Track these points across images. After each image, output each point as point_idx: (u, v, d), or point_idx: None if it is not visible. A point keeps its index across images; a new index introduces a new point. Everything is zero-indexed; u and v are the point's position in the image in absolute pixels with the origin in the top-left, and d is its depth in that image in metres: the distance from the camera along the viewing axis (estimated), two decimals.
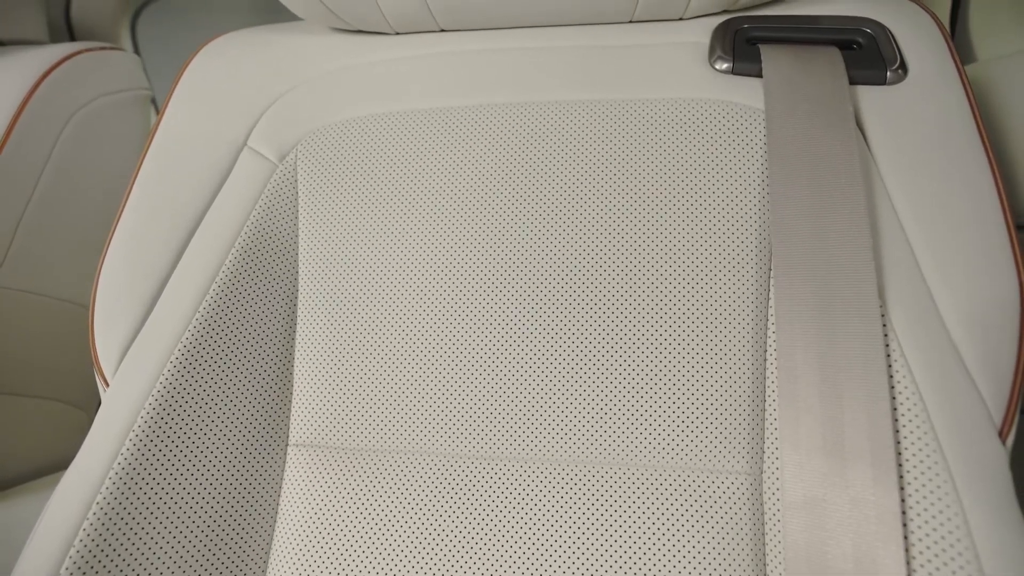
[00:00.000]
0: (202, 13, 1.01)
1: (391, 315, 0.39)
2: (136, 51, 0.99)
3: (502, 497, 0.36)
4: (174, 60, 1.02)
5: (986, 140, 0.36)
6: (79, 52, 0.61)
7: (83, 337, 0.68)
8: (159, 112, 0.74)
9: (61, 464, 0.67)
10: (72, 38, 0.93)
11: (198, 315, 0.38)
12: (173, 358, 0.37)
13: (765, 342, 0.36)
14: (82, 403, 0.69)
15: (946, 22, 0.59)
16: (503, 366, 0.37)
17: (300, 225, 0.41)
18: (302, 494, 0.38)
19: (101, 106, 0.65)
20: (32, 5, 0.66)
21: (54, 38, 0.90)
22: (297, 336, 0.40)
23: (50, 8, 0.90)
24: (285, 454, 0.39)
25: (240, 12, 1.01)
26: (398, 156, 0.41)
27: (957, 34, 0.59)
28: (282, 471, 0.38)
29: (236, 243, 0.40)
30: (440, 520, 0.36)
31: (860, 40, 0.40)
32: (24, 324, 0.60)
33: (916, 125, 0.37)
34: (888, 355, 0.32)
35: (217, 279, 0.39)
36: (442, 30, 0.45)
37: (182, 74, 0.47)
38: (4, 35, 0.62)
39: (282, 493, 0.38)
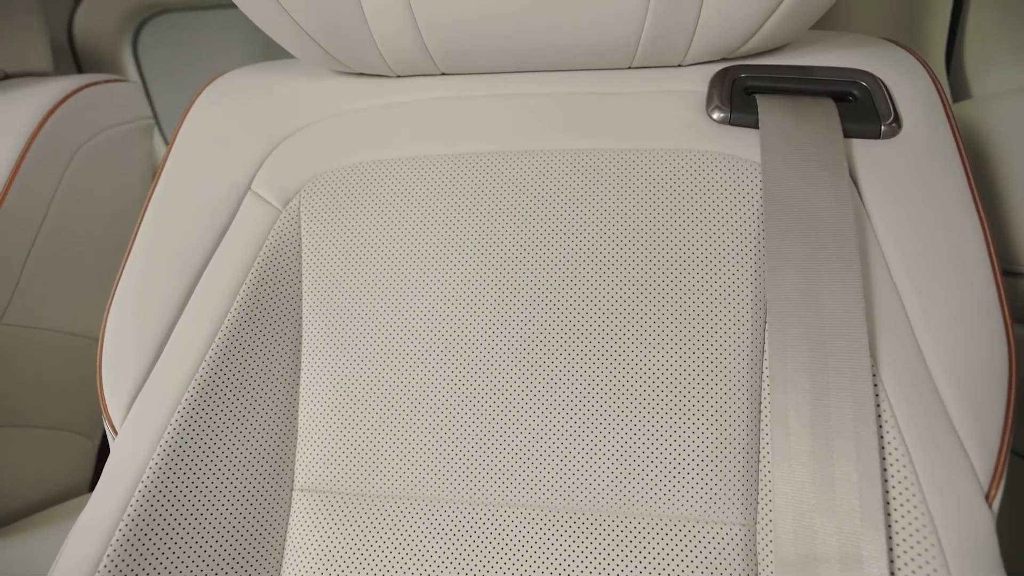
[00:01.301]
0: (204, 26, 1.01)
1: (394, 361, 0.40)
2: (138, 65, 0.99)
3: (501, 544, 0.36)
4: (176, 72, 1.03)
5: (976, 197, 0.37)
6: (82, 87, 0.61)
7: (89, 368, 0.69)
8: (167, 144, 0.74)
9: (68, 493, 0.68)
10: (75, 55, 0.93)
11: (204, 363, 0.39)
12: (180, 407, 0.37)
13: (760, 395, 0.36)
14: (88, 431, 0.70)
15: (942, 58, 0.59)
16: (503, 414, 0.38)
17: (304, 271, 0.42)
18: (307, 539, 0.38)
19: (105, 139, 0.65)
20: (36, 36, 0.66)
21: (57, 56, 0.91)
22: (301, 381, 0.41)
23: (52, 26, 0.91)
24: (290, 499, 0.39)
25: (241, 24, 1.01)
26: (400, 203, 0.42)
27: (952, 70, 0.59)
28: (287, 516, 0.39)
29: (241, 291, 0.40)
30: (442, 566, 0.37)
31: (856, 92, 0.41)
32: (32, 358, 0.61)
33: (909, 181, 0.38)
34: (879, 415, 0.33)
35: (222, 327, 0.39)
36: (443, 73, 0.46)
37: (186, 115, 0.47)
38: (9, 68, 0.62)
39: (287, 538, 0.39)
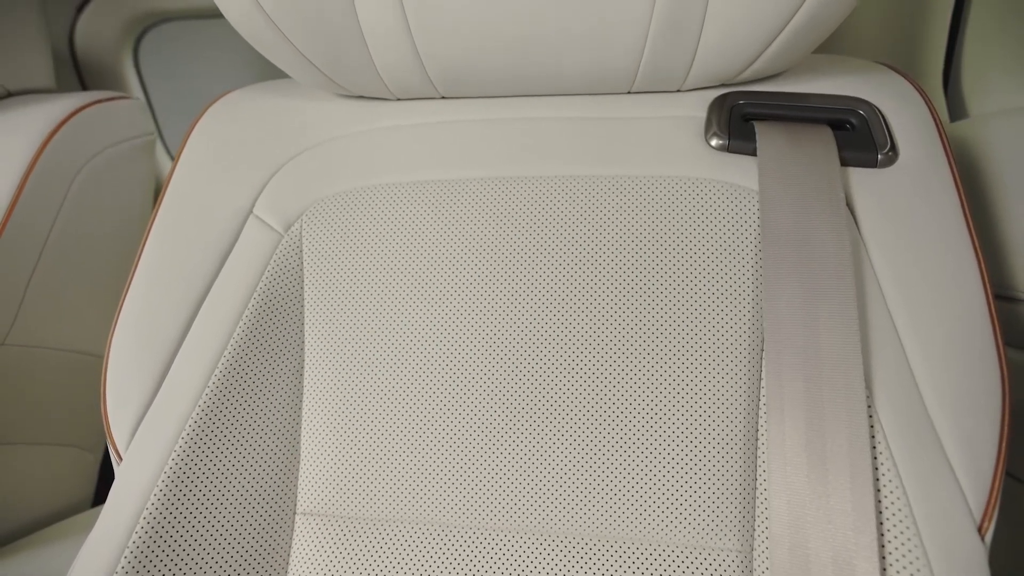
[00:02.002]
0: (205, 34, 1.01)
1: (395, 386, 0.40)
2: (139, 74, 0.99)
3: (500, 568, 0.37)
4: (178, 80, 1.03)
5: (972, 227, 0.37)
6: (84, 106, 0.62)
7: (92, 385, 0.70)
8: (169, 155, 0.74)
9: (71, 508, 0.68)
10: (76, 64, 0.94)
11: (208, 390, 0.39)
12: (184, 434, 0.38)
13: (756, 422, 0.37)
14: (91, 446, 0.71)
15: (939, 77, 0.60)
16: (503, 440, 0.38)
17: (305, 296, 0.42)
18: (309, 563, 0.39)
19: (108, 157, 0.65)
20: (39, 52, 0.66)
21: (58, 65, 0.91)
22: (304, 405, 0.41)
23: (54, 35, 0.91)
24: (293, 523, 0.40)
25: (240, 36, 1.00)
26: (400, 229, 0.42)
27: (950, 89, 0.60)
28: (290, 540, 0.40)
29: (243, 316, 0.41)
30: None
31: (853, 121, 0.41)
32: (36, 377, 0.61)
33: (905, 210, 0.38)
34: (874, 447, 0.33)
35: (225, 353, 0.40)
36: (443, 96, 0.46)
37: (188, 137, 0.48)
38: (12, 86, 0.62)
39: (290, 562, 0.39)
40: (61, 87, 0.92)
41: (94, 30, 0.93)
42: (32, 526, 0.62)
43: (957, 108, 0.59)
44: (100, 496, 0.75)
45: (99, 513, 0.66)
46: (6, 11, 0.61)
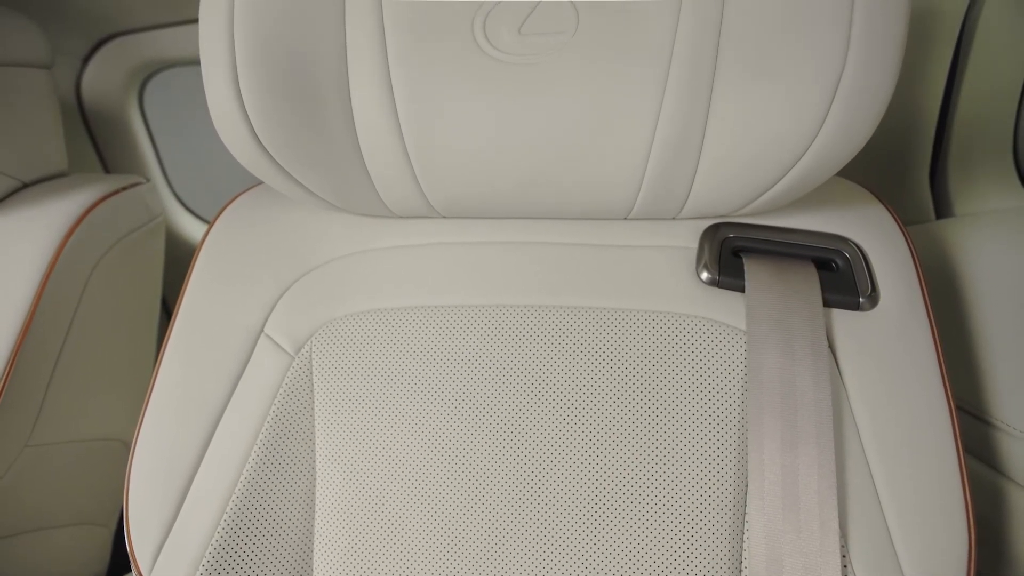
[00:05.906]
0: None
1: (404, 506, 0.42)
2: (143, 118, 1.01)
3: None
4: (182, 124, 1.04)
5: (945, 375, 0.40)
6: (99, 201, 0.63)
7: (109, 465, 0.72)
8: (180, 203, 0.73)
9: None
10: (83, 114, 0.95)
11: (226, 515, 0.41)
12: (205, 560, 0.40)
13: (740, 560, 0.39)
14: (105, 520, 0.73)
15: (926, 173, 0.61)
16: (505, 558, 0.41)
17: (316, 417, 0.44)
18: None
19: (122, 246, 0.67)
20: (51, 137, 0.68)
21: (66, 116, 0.92)
22: (316, 520, 0.44)
23: (61, 87, 0.92)
24: None
25: None
26: (407, 353, 0.44)
27: (936, 186, 0.61)
28: None
29: (257, 441, 0.43)
30: None
31: (838, 262, 0.43)
32: (56, 471, 0.63)
33: (884, 355, 0.40)
34: None
35: (241, 478, 0.42)
36: (443, 217, 0.48)
37: (200, 249, 0.49)
38: (27, 177, 0.64)
39: None
40: (68, 136, 0.94)
41: (100, 80, 0.94)
42: None
43: (943, 205, 0.61)
44: (113, 572, 0.77)
45: None
46: (23, 105, 0.62)
